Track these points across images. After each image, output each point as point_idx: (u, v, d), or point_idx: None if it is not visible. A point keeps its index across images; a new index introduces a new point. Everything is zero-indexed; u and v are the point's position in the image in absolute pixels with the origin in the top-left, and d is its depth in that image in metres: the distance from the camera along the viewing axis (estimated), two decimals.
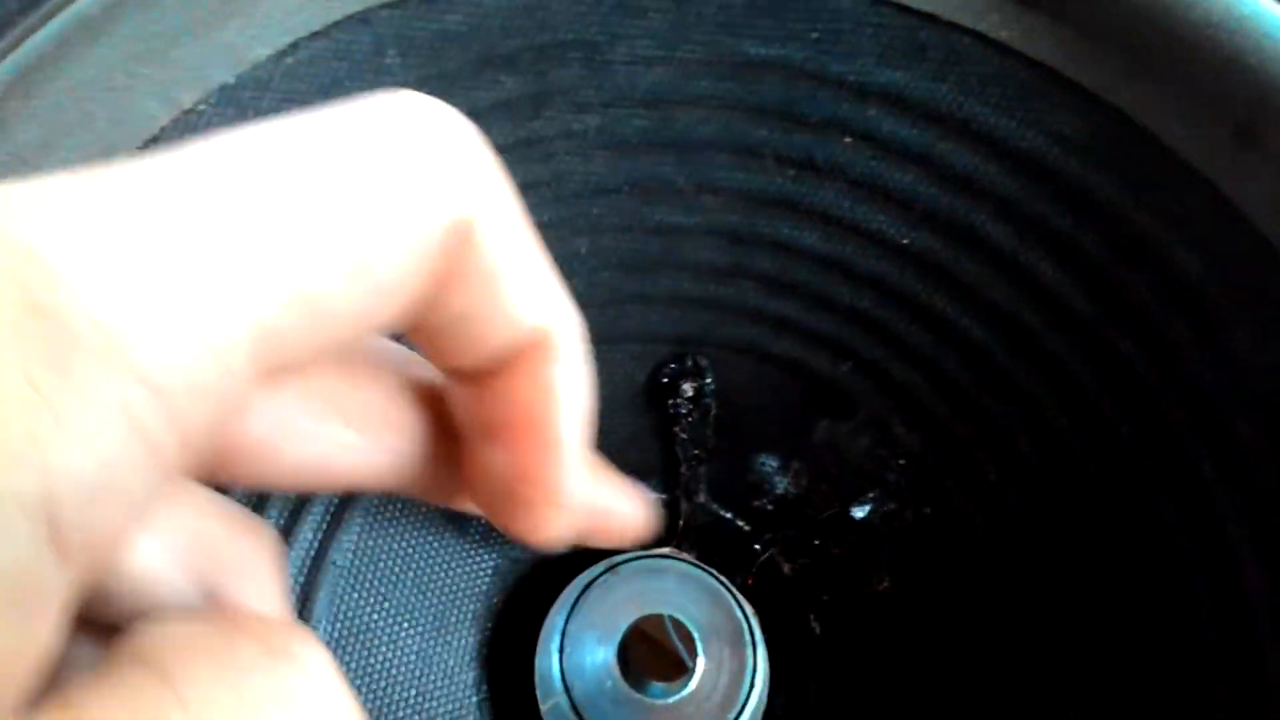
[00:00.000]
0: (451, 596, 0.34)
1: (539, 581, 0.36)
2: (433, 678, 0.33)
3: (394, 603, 0.33)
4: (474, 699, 0.34)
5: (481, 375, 0.16)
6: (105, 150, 0.23)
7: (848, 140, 0.27)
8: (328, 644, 0.31)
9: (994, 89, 0.26)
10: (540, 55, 0.26)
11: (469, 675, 0.34)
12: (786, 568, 0.36)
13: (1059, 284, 0.28)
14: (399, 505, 0.33)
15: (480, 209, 0.14)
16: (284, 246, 0.12)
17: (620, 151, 0.29)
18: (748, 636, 0.34)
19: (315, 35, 0.24)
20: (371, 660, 0.32)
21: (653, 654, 0.35)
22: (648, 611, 0.34)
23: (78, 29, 0.23)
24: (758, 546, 0.36)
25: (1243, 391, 0.25)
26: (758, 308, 0.32)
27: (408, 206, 0.13)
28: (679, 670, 0.34)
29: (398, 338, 0.18)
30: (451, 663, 0.34)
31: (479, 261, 0.14)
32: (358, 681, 0.31)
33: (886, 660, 0.34)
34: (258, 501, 0.29)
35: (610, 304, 0.32)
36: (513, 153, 0.28)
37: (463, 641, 0.34)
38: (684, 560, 0.35)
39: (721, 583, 0.35)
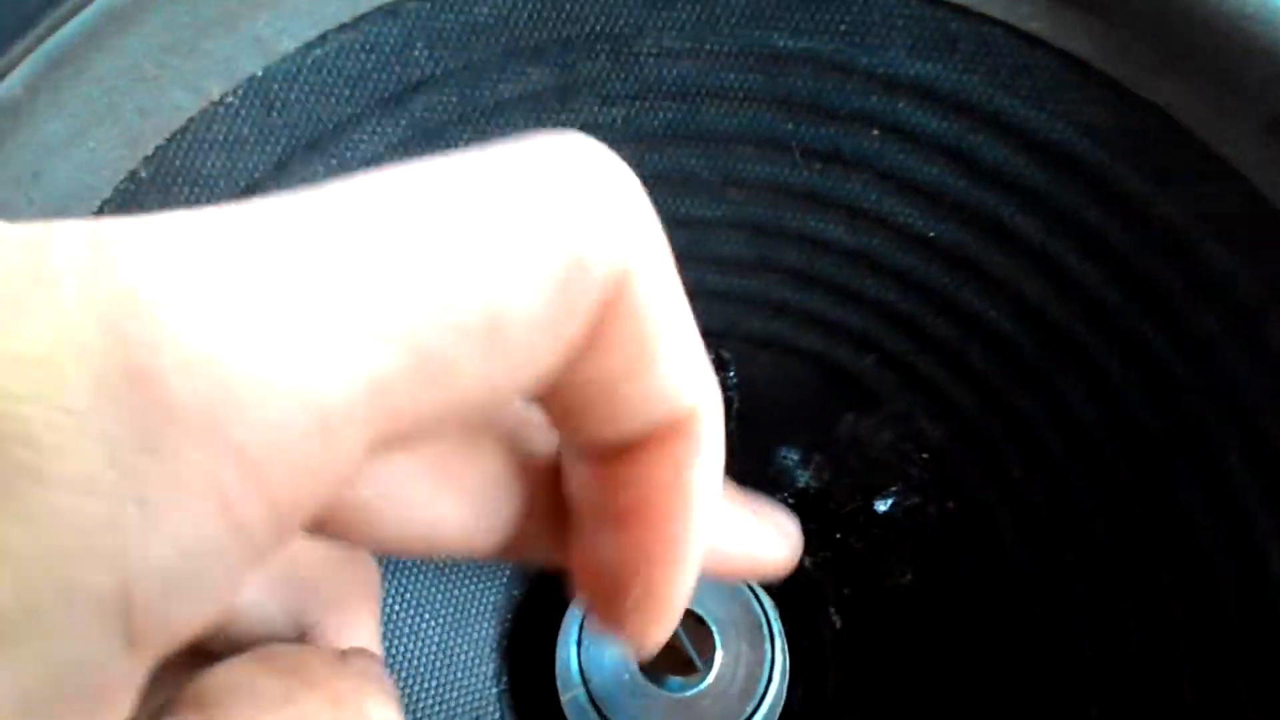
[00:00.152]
0: (472, 589, 0.34)
1: (559, 574, 0.36)
2: (454, 669, 0.33)
3: (415, 594, 0.33)
4: (494, 690, 0.34)
5: (608, 452, 0.14)
6: (132, 141, 0.24)
7: (876, 132, 0.27)
8: None
9: (1024, 81, 0.26)
10: (567, 47, 0.26)
11: (489, 667, 0.34)
12: (807, 561, 0.36)
13: (1087, 276, 0.27)
14: None
15: (638, 263, 0.12)
16: (409, 301, 0.10)
17: (646, 144, 0.28)
18: (766, 630, 0.34)
19: (343, 27, 0.24)
20: (393, 651, 0.32)
21: (670, 648, 0.34)
22: None
23: (107, 20, 0.23)
24: None
25: (1273, 384, 0.25)
26: (782, 301, 0.32)
27: (557, 255, 0.11)
28: (694, 666, 0.34)
29: None
30: (472, 654, 0.34)
31: (630, 323, 0.12)
32: None
33: (907, 654, 0.34)
34: None
35: None
36: None
37: (483, 633, 0.34)
38: None
39: None
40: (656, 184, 0.30)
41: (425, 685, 0.32)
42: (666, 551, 0.14)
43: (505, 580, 0.35)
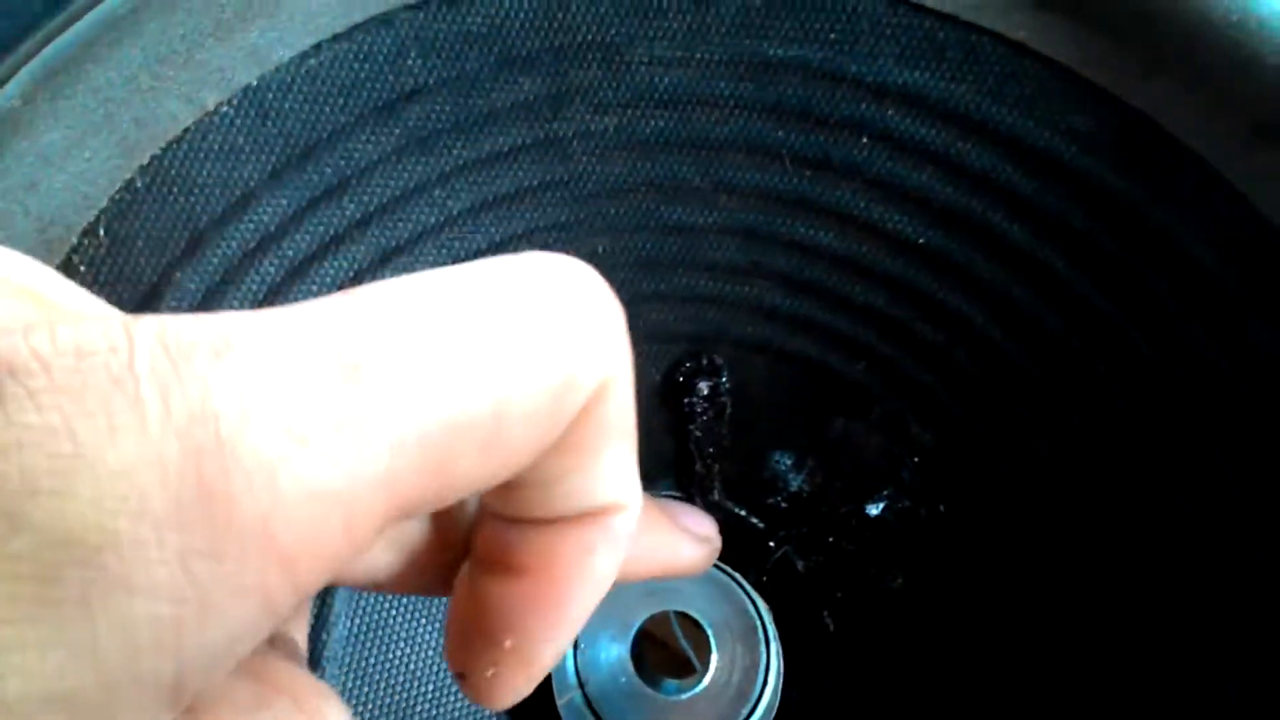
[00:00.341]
0: None
1: None
2: (449, 673, 0.33)
3: (412, 600, 0.33)
4: None
5: (526, 520, 0.16)
6: (128, 151, 0.24)
7: (865, 140, 0.28)
8: (346, 640, 0.31)
9: (1011, 88, 0.26)
10: (560, 56, 0.27)
11: None
12: (800, 565, 0.36)
13: (1075, 282, 0.28)
14: None
15: (613, 380, 0.14)
16: (427, 411, 0.11)
17: (638, 152, 0.29)
18: (761, 633, 0.35)
19: (337, 37, 0.25)
20: (389, 656, 0.32)
21: (666, 651, 0.35)
22: (662, 608, 0.34)
23: (102, 30, 0.23)
24: (772, 544, 0.36)
25: (1259, 386, 0.25)
26: (774, 306, 0.32)
27: (555, 371, 0.13)
28: (692, 667, 0.34)
29: None
30: None
31: (592, 428, 0.14)
32: (376, 677, 0.32)
33: (900, 657, 0.34)
34: None
35: (627, 303, 0.31)
36: (531, 153, 0.28)
37: None
38: None
39: (735, 580, 0.35)
40: (648, 191, 0.30)
41: (422, 690, 0.33)
42: (551, 610, 0.16)
43: None
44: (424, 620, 0.33)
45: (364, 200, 0.27)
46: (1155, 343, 0.27)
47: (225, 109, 0.24)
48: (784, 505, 0.36)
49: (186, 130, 0.24)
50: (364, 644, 0.32)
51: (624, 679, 0.34)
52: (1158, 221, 0.26)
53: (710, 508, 0.36)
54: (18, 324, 0.11)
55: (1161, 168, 0.25)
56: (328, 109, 0.25)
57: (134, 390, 0.10)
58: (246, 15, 0.24)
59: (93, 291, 0.14)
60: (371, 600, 0.32)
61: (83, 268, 0.23)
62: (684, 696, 0.33)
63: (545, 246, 0.29)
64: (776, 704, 0.35)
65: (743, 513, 0.36)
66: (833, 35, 0.26)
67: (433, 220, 0.28)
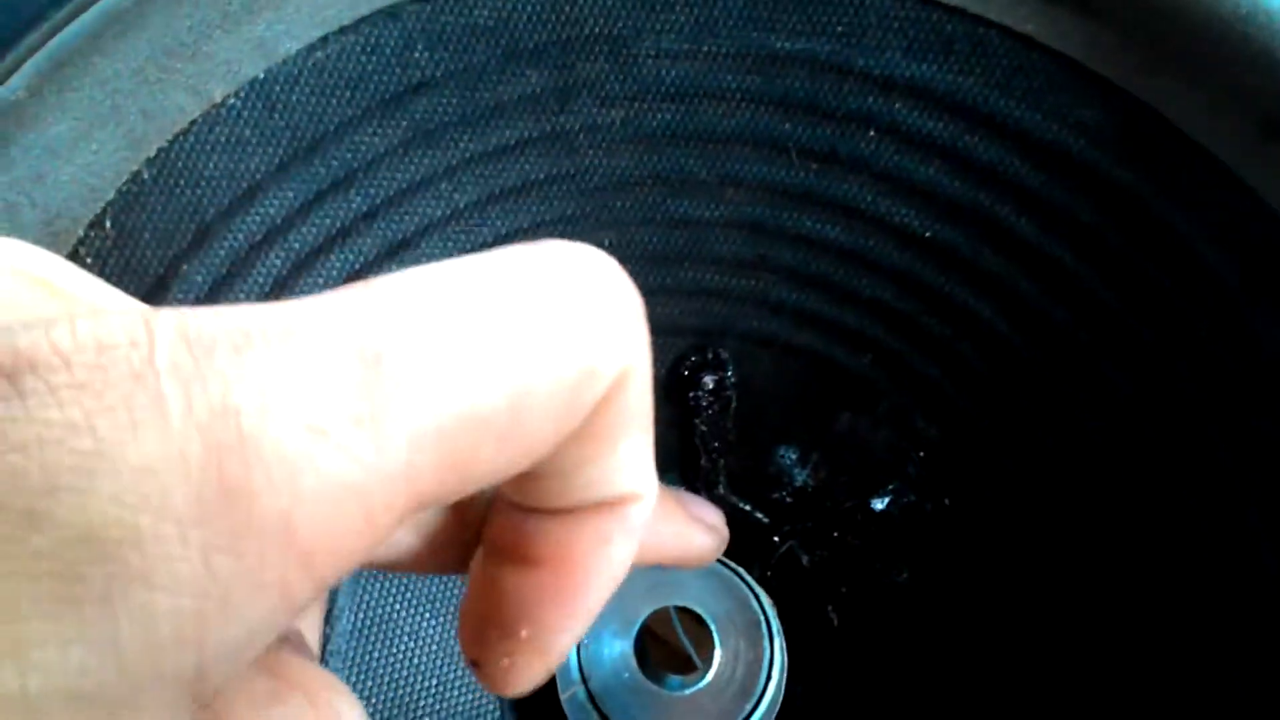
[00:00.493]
0: None
1: None
2: (453, 668, 0.33)
3: (415, 594, 0.33)
4: None
5: (542, 510, 0.16)
6: (135, 143, 0.24)
7: (872, 133, 0.28)
8: (350, 635, 0.31)
9: (1019, 82, 0.26)
10: (566, 49, 0.27)
11: None
12: (805, 559, 0.36)
13: (1082, 275, 0.28)
14: None
15: (632, 371, 0.13)
16: (445, 406, 0.11)
17: (645, 145, 0.29)
18: (765, 628, 0.34)
19: (344, 30, 0.25)
20: (393, 651, 0.32)
21: (669, 646, 0.35)
22: (665, 603, 0.34)
23: (109, 22, 0.23)
24: (777, 538, 0.36)
25: (1265, 382, 0.25)
26: (780, 300, 0.32)
27: (574, 364, 0.12)
28: (693, 664, 0.34)
29: None
30: None
31: (611, 419, 0.14)
32: (380, 671, 0.32)
33: (905, 652, 0.34)
34: None
35: None
36: (538, 146, 0.28)
37: None
38: None
39: (739, 575, 0.35)
40: (655, 184, 0.30)
41: (425, 684, 0.33)
42: (568, 600, 0.15)
43: None
44: (428, 615, 0.33)
45: (370, 193, 0.27)
46: (1161, 336, 0.27)
47: (232, 101, 0.24)
48: (789, 500, 0.36)
49: (193, 123, 0.24)
50: (368, 638, 0.32)
51: (627, 674, 0.34)
52: (1165, 215, 0.26)
53: (715, 502, 0.36)
54: (36, 317, 0.11)
55: (1169, 162, 0.25)
56: (334, 102, 0.25)
57: (155, 385, 0.10)
58: (253, 8, 0.24)
59: None
60: (376, 595, 0.32)
61: (89, 260, 0.23)
62: (687, 692, 0.33)
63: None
64: (780, 699, 0.35)
65: (747, 507, 0.36)
66: (840, 28, 0.26)
67: (439, 213, 0.28)
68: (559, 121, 0.28)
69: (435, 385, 0.11)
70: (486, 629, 0.16)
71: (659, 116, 0.28)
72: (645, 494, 0.15)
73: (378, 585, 0.32)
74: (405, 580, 0.33)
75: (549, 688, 0.34)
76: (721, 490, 0.36)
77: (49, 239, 0.23)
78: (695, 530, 0.21)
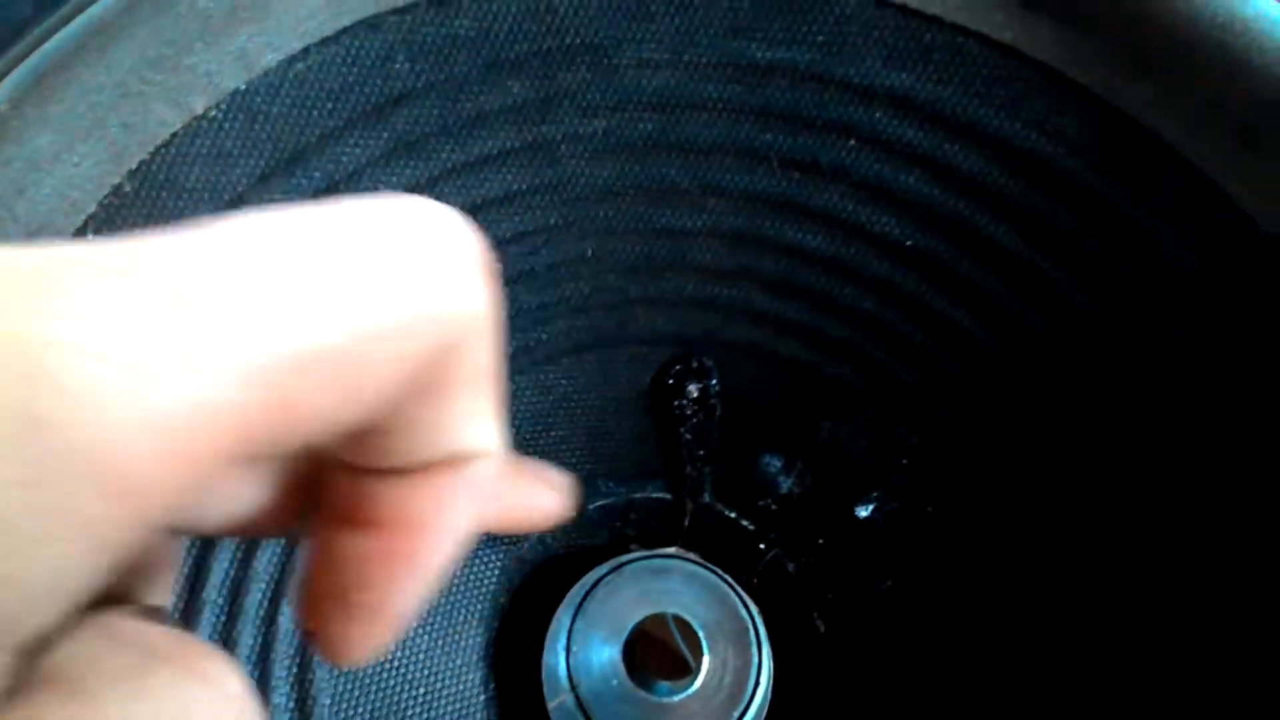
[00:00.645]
0: (459, 596, 0.34)
1: (546, 580, 0.36)
2: (440, 676, 0.33)
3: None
4: (481, 697, 0.34)
5: (379, 470, 0.15)
6: (117, 156, 0.24)
7: (853, 142, 0.28)
8: None
9: (998, 91, 0.26)
10: (548, 59, 0.27)
11: (476, 674, 0.34)
12: (791, 567, 0.36)
13: (1060, 283, 0.28)
14: None
15: (472, 322, 0.13)
16: (278, 351, 0.11)
17: (627, 155, 0.29)
18: (752, 635, 0.35)
19: (325, 41, 0.25)
20: (381, 660, 0.32)
21: (658, 653, 0.35)
22: (653, 611, 0.34)
23: (91, 35, 0.23)
24: (762, 546, 0.36)
25: (1243, 386, 0.25)
26: (762, 309, 0.32)
27: (407, 311, 0.12)
28: (684, 669, 0.34)
29: None
30: (459, 661, 0.34)
31: (453, 376, 0.13)
32: (366, 681, 0.32)
33: (890, 658, 0.34)
34: None
35: (616, 306, 0.32)
36: (520, 157, 0.28)
37: (470, 640, 0.34)
38: (689, 560, 0.36)
39: (726, 582, 0.35)
40: (637, 194, 0.30)
41: (413, 694, 0.33)
42: (409, 564, 0.15)
43: (492, 589, 0.35)
44: (416, 624, 0.33)
45: None
46: (1140, 343, 0.27)
47: (214, 113, 0.24)
48: (774, 507, 0.36)
49: (175, 135, 0.24)
50: None
51: (616, 681, 0.34)
52: (1143, 223, 0.26)
53: (701, 510, 0.36)
54: None
55: (1147, 169, 0.25)
56: (316, 113, 0.25)
57: None
58: (234, 20, 0.24)
59: None
60: None
61: None
62: (676, 698, 0.33)
63: (534, 249, 0.29)
64: (768, 705, 0.35)
65: (733, 515, 0.36)
66: (820, 38, 0.26)
67: None
68: (541, 132, 0.28)
69: (263, 322, 0.11)
70: (323, 597, 0.16)
71: (641, 126, 0.28)
72: (490, 452, 0.15)
73: None
74: None
75: (537, 696, 0.34)
76: (707, 498, 0.36)
77: None
78: (540, 489, 0.20)
